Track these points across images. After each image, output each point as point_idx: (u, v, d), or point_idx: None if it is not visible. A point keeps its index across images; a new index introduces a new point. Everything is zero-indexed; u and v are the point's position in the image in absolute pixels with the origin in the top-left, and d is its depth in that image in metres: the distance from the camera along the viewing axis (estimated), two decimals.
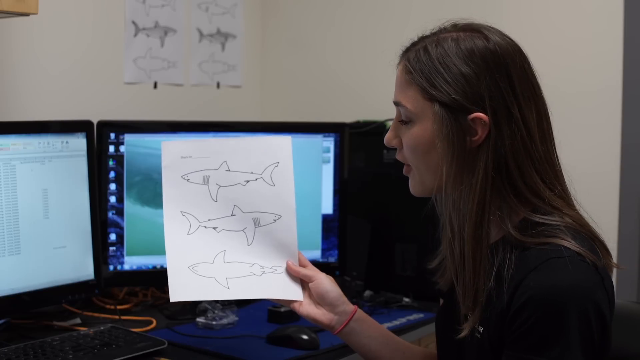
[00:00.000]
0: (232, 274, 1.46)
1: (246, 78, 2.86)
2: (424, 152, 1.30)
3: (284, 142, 1.52)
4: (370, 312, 2.05)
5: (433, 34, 1.32)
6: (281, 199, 1.50)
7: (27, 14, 1.83)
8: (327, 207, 2.22)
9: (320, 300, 1.49)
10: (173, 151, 1.48)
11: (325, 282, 1.49)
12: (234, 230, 1.48)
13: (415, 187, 1.36)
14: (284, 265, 1.49)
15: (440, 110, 1.25)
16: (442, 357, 1.45)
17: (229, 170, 1.48)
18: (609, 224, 2.25)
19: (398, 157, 1.36)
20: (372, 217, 2.36)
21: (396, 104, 1.33)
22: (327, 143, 2.22)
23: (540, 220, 1.24)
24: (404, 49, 1.35)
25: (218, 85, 2.75)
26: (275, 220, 1.49)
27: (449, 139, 1.25)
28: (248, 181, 1.49)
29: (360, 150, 2.36)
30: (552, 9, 2.39)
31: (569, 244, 1.20)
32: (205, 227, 1.46)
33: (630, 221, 2.26)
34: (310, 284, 1.49)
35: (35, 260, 1.85)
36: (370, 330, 1.51)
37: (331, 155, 2.22)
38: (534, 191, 1.25)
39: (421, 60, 1.28)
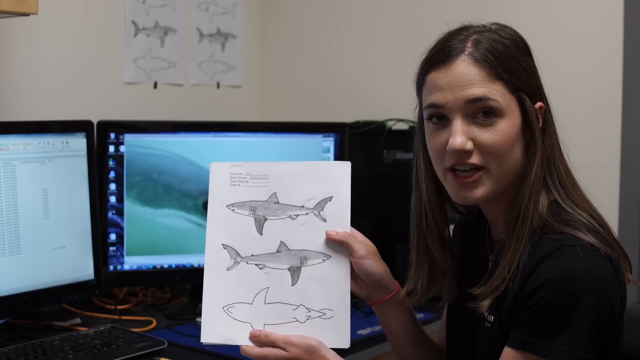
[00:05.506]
0: (272, 319, 1.35)
1: (246, 78, 2.86)
2: (510, 147, 1.27)
3: (342, 169, 1.39)
4: (371, 312, 2.05)
5: (473, 30, 1.30)
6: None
7: (27, 14, 1.83)
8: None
9: (361, 277, 1.41)
10: (222, 174, 1.40)
11: (369, 265, 1.38)
12: (278, 268, 1.36)
13: (485, 192, 1.28)
14: (334, 309, 1.35)
15: (528, 101, 1.27)
16: (452, 349, 1.46)
17: (278, 203, 1.39)
18: (609, 224, 2.25)
19: (473, 160, 1.26)
20: (372, 217, 2.36)
21: (478, 99, 1.24)
22: (327, 143, 2.21)
23: (564, 211, 1.25)
24: (447, 48, 1.28)
25: (218, 85, 2.75)
26: (324, 260, 1.37)
27: (539, 129, 1.28)
28: (298, 215, 1.38)
29: (360, 150, 2.36)
30: (553, 8, 2.39)
31: (584, 235, 1.21)
32: (247, 263, 1.37)
33: (630, 221, 2.26)
34: (353, 259, 1.37)
35: (35, 260, 1.85)
36: (403, 314, 1.48)
37: (331, 155, 2.22)
38: (564, 180, 1.29)
39: (497, 54, 1.26)
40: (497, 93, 1.25)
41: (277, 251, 1.37)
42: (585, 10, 2.34)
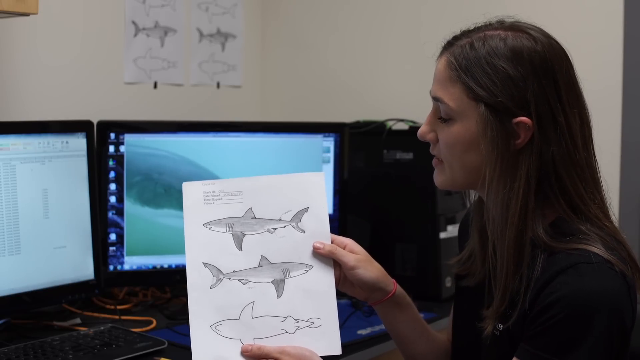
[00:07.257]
0: (261, 332, 1.33)
1: (246, 78, 2.86)
2: (462, 151, 1.27)
3: (316, 179, 1.41)
4: (370, 312, 2.05)
5: (478, 29, 1.30)
6: (312, 247, 1.38)
7: (27, 14, 1.83)
8: (328, 207, 2.22)
9: (356, 284, 1.41)
10: (195, 193, 1.38)
11: (360, 274, 1.39)
12: (261, 282, 1.36)
13: (443, 181, 1.34)
14: (322, 317, 1.36)
15: (486, 111, 1.23)
16: (458, 351, 1.46)
17: (255, 218, 1.38)
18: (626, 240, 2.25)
19: (432, 151, 1.34)
20: (372, 217, 2.36)
21: (436, 99, 1.30)
22: (327, 143, 2.21)
23: (573, 227, 1.23)
24: (445, 42, 1.32)
25: (218, 85, 2.75)
26: (306, 271, 1.37)
27: (494, 141, 1.23)
28: (276, 228, 1.38)
29: (360, 150, 2.36)
30: (553, 8, 2.39)
31: (599, 250, 1.19)
32: (229, 279, 1.35)
33: (630, 221, 2.26)
34: (344, 271, 1.39)
35: (35, 260, 1.84)
36: (402, 314, 1.48)
37: (331, 155, 2.21)
38: (573, 198, 1.24)
39: (468, 58, 1.25)
40: (452, 96, 1.26)
41: (259, 265, 1.36)
42: (585, 10, 2.34)
